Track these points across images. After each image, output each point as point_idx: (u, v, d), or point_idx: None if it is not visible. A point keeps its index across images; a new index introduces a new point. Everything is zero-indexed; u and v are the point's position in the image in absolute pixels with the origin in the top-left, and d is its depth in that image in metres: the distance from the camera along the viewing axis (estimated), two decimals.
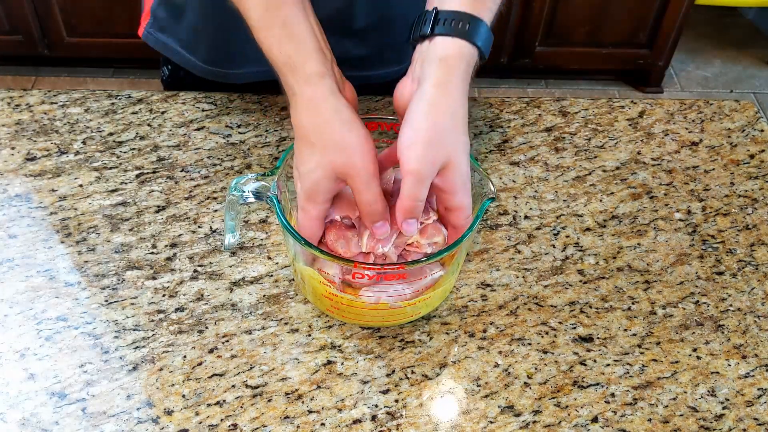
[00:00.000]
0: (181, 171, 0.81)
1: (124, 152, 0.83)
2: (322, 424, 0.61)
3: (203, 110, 0.88)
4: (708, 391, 0.64)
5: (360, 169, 0.57)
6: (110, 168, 0.81)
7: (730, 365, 0.66)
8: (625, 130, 0.89)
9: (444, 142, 0.57)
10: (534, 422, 0.61)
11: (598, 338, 0.68)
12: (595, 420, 0.62)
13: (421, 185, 0.56)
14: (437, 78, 0.58)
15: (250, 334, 0.67)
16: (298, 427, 0.60)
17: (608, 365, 0.66)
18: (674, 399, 0.64)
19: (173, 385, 0.63)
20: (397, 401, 0.62)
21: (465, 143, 0.58)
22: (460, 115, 0.58)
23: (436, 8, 0.60)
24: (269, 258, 0.73)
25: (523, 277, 0.73)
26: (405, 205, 0.57)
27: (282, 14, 0.59)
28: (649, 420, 0.62)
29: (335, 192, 0.60)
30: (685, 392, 0.64)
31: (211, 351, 0.65)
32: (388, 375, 0.64)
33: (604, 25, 2.23)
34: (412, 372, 0.65)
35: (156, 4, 0.86)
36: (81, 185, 0.79)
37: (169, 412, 0.61)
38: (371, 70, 0.91)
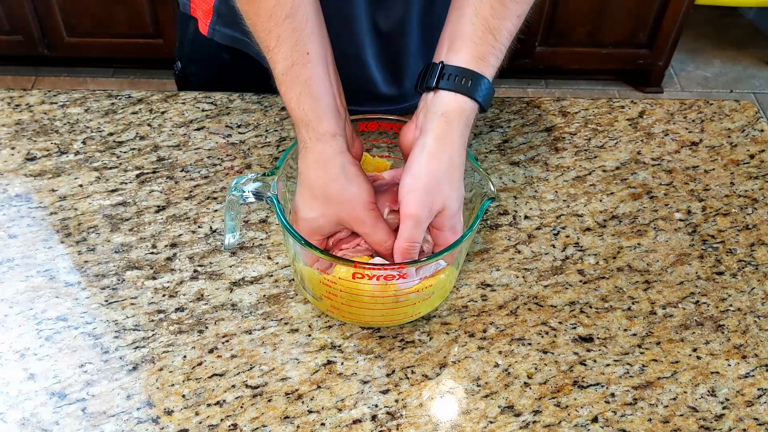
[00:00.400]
0: (181, 171, 0.81)
1: (124, 152, 0.83)
2: (322, 424, 0.61)
3: (203, 110, 0.88)
4: (708, 391, 0.64)
5: (364, 218, 0.62)
6: (110, 168, 0.81)
7: (730, 365, 0.66)
8: (625, 130, 0.89)
9: (440, 190, 0.61)
10: (534, 422, 0.61)
11: (598, 338, 0.68)
12: (595, 420, 0.62)
13: (418, 228, 0.61)
14: (437, 132, 0.62)
15: (250, 334, 0.67)
16: (298, 427, 0.60)
17: (608, 365, 0.66)
18: (674, 399, 0.64)
19: (173, 385, 0.63)
20: (397, 401, 0.62)
21: (459, 190, 0.63)
22: (457, 165, 0.63)
23: (442, 62, 0.64)
24: (269, 258, 0.73)
25: (523, 277, 0.73)
26: (403, 247, 0.62)
27: (306, 73, 0.62)
28: (649, 420, 0.62)
29: (334, 233, 0.65)
30: (685, 392, 0.64)
31: (211, 351, 0.65)
32: (388, 375, 0.64)
33: (604, 25, 2.23)
34: (412, 372, 0.65)
35: (218, 2, 0.88)
36: (81, 185, 0.79)
37: (169, 412, 0.61)
38: (398, 104, 0.93)
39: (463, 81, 0.63)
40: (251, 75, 0.90)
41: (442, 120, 0.63)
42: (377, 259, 0.64)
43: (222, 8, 0.88)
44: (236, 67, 0.92)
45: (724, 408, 0.63)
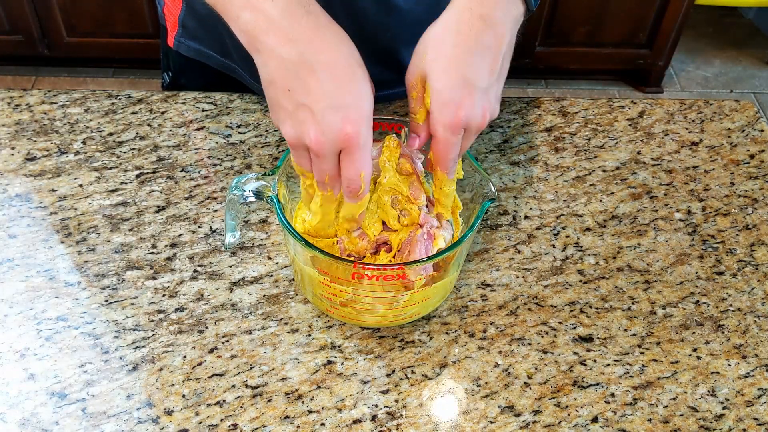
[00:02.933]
0: (181, 171, 0.81)
1: (124, 152, 0.83)
2: (322, 424, 0.61)
3: (203, 110, 0.88)
4: (708, 391, 0.64)
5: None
6: (110, 168, 0.81)
7: (730, 365, 0.66)
8: (625, 130, 0.89)
9: (424, 52, 0.55)
10: (534, 422, 0.61)
11: (598, 338, 0.68)
12: (595, 420, 0.62)
13: (408, 94, 0.56)
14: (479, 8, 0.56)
15: (250, 334, 0.67)
16: (298, 427, 0.60)
17: (608, 365, 0.66)
18: (674, 399, 0.64)
19: (173, 385, 0.63)
20: (397, 401, 0.62)
21: (451, 60, 0.55)
22: (453, 28, 0.55)
23: None
24: (269, 258, 0.73)
25: (523, 277, 0.73)
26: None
27: None
28: (649, 420, 0.62)
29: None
30: (685, 392, 0.64)
31: (211, 351, 0.65)
32: (388, 375, 0.64)
33: (604, 25, 2.23)
34: (412, 372, 0.65)
35: (183, 15, 0.87)
36: (81, 185, 0.79)
37: (169, 412, 0.61)
38: (395, 88, 0.92)
39: None
40: (241, 84, 0.90)
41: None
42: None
43: (187, 20, 0.88)
44: (226, 76, 0.91)
45: (724, 408, 0.63)
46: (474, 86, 0.54)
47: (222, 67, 0.90)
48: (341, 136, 0.52)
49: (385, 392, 0.63)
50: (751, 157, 0.87)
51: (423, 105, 0.57)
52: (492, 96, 0.57)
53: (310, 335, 0.67)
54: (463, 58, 0.54)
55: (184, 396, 0.62)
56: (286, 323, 0.68)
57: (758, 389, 0.65)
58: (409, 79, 0.56)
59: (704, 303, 0.71)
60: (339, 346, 0.66)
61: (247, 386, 0.63)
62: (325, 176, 0.56)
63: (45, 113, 0.87)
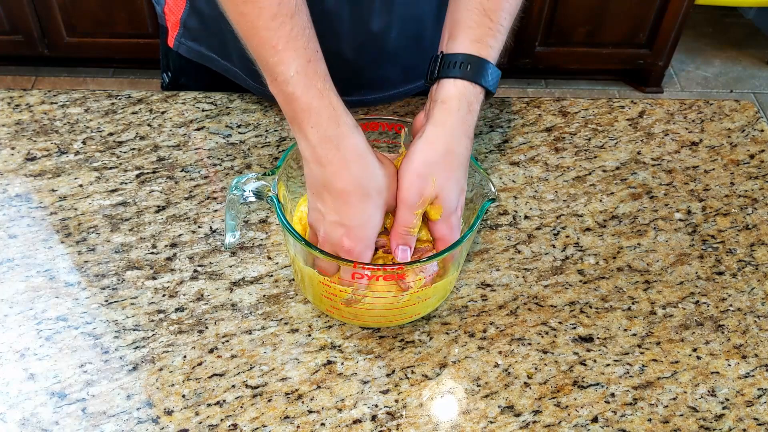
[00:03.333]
0: (181, 171, 0.81)
1: (124, 152, 0.83)
2: (322, 424, 0.61)
3: (203, 110, 0.88)
4: (708, 391, 0.64)
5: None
6: (110, 168, 0.81)
7: (730, 365, 0.66)
8: (625, 130, 0.89)
9: (432, 177, 0.61)
10: (534, 422, 0.61)
11: (598, 338, 0.68)
12: (595, 420, 0.62)
13: (410, 213, 0.61)
14: (435, 119, 0.62)
15: (250, 334, 0.67)
16: (298, 427, 0.60)
17: (608, 365, 0.66)
18: (674, 399, 0.64)
19: (173, 385, 0.63)
20: (397, 401, 0.62)
21: (457, 180, 0.62)
22: (455, 153, 0.62)
23: (442, 52, 0.64)
24: (269, 258, 0.73)
25: (523, 277, 0.73)
26: (397, 231, 0.62)
27: (322, 68, 0.61)
28: (649, 420, 0.62)
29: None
30: (685, 392, 0.64)
31: (211, 351, 0.65)
32: (388, 375, 0.64)
33: (604, 25, 2.23)
34: (412, 372, 0.65)
35: (186, 15, 0.87)
36: (81, 185, 0.79)
37: (169, 412, 0.61)
38: (397, 88, 0.92)
39: (461, 66, 0.62)
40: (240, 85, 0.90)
41: (441, 107, 0.62)
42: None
43: (189, 21, 0.87)
44: (225, 76, 0.91)
45: (724, 408, 0.63)
46: (464, 190, 0.64)
47: (222, 70, 0.90)
48: (339, 248, 0.60)
49: (385, 392, 0.63)
50: (751, 157, 0.87)
51: (420, 220, 0.63)
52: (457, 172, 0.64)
53: (310, 335, 0.67)
54: (461, 175, 0.63)
55: (184, 396, 0.62)
56: (286, 323, 0.68)
57: (758, 389, 0.65)
58: (411, 202, 0.62)
59: (704, 303, 0.71)
60: (339, 346, 0.66)
61: (247, 386, 0.63)
62: (321, 269, 0.63)
63: (45, 113, 0.87)
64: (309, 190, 0.63)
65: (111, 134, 0.85)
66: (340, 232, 0.60)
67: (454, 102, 0.62)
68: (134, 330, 0.66)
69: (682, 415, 0.62)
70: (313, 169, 0.60)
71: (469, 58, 0.63)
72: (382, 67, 0.88)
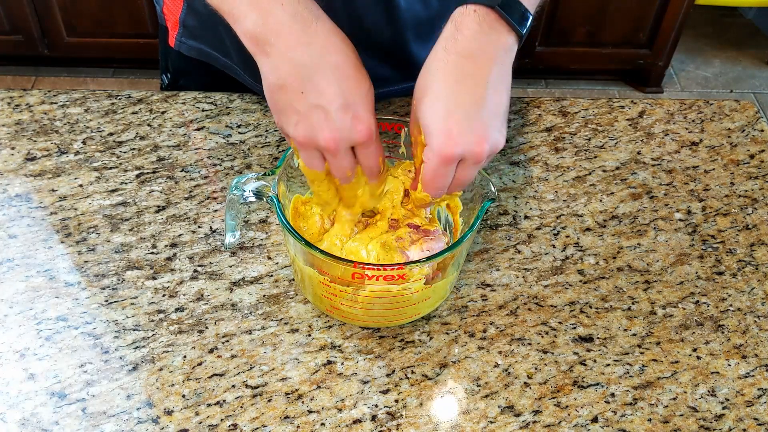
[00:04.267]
0: (181, 171, 0.81)
1: (124, 152, 0.83)
2: (322, 424, 0.61)
3: (203, 110, 0.88)
4: (708, 391, 0.64)
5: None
6: (110, 168, 0.81)
7: (730, 365, 0.66)
8: (625, 130, 0.89)
9: (422, 105, 0.56)
10: (534, 422, 0.61)
11: (598, 338, 0.68)
12: (595, 420, 0.62)
13: (412, 116, 0.57)
14: (443, 35, 0.57)
15: (250, 334, 0.67)
16: (298, 427, 0.60)
17: (608, 365, 0.66)
18: (674, 399, 0.64)
19: (173, 385, 0.63)
20: (397, 401, 0.62)
21: (433, 97, 0.56)
22: (429, 68, 0.56)
23: None
24: (269, 258, 0.73)
25: (523, 277, 0.73)
26: (427, 180, 0.58)
27: None
28: (649, 420, 0.62)
29: None
30: (685, 392, 0.64)
31: (211, 351, 0.65)
32: (388, 375, 0.64)
33: (604, 25, 2.23)
34: (412, 372, 0.65)
35: (184, 14, 0.87)
36: (81, 185, 0.79)
37: (169, 412, 0.61)
38: (398, 84, 0.92)
39: None
40: (240, 84, 0.90)
41: (449, 23, 0.56)
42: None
43: (188, 20, 0.88)
44: (225, 77, 0.91)
45: (724, 408, 0.63)
46: (461, 116, 0.55)
47: (222, 67, 0.90)
48: (354, 134, 0.55)
49: (385, 392, 0.63)
50: (751, 157, 0.87)
51: (421, 145, 0.58)
52: (489, 125, 0.56)
53: (310, 335, 0.67)
54: (444, 91, 0.55)
55: (184, 396, 0.62)
56: (286, 323, 0.68)
57: (758, 389, 0.65)
58: (410, 128, 0.59)
59: (704, 303, 0.71)
60: (339, 346, 0.66)
61: (247, 386, 0.63)
62: (345, 171, 0.58)
63: (45, 113, 0.87)
64: (293, 93, 0.54)
65: (111, 134, 0.85)
66: (350, 115, 0.54)
67: (465, 17, 0.56)
68: (134, 330, 0.66)
69: (682, 415, 0.62)
70: (295, 57, 0.53)
71: None
72: (382, 63, 0.87)
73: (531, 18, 0.58)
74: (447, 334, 0.68)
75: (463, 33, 0.56)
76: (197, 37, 0.89)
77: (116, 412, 0.61)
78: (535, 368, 0.65)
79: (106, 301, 0.68)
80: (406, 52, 0.86)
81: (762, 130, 0.90)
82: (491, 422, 0.61)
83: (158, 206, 0.77)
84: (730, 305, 0.71)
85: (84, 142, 0.83)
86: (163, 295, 0.69)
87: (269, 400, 0.62)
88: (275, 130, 0.86)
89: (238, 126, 0.86)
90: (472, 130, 0.55)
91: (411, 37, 0.85)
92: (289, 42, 0.53)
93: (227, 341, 0.66)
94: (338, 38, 0.55)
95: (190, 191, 0.79)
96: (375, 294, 0.61)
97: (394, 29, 0.83)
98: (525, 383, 0.64)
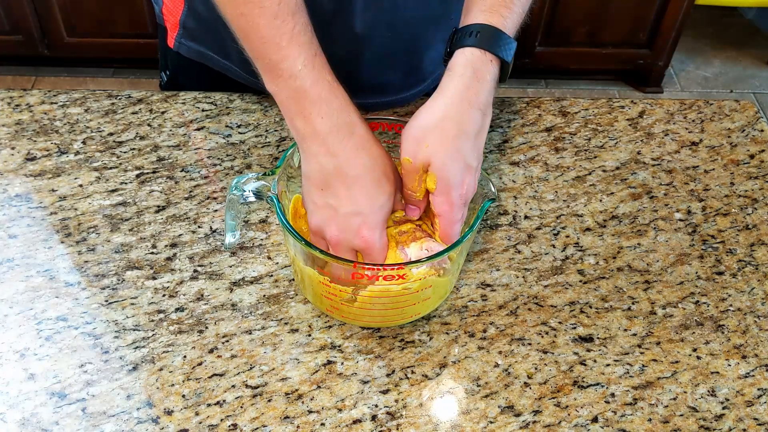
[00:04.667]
0: (181, 171, 0.81)
1: (124, 152, 0.83)
2: (322, 424, 0.61)
3: (203, 110, 0.88)
4: (708, 391, 0.64)
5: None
6: (110, 168, 0.81)
7: (730, 365, 0.66)
8: (625, 130, 0.89)
9: (424, 141, 0.59)
10: (534, 422, 0.61)
11: (598, 338, 0.68)
12: (595, 420, 0.62)
13: (407, 177, 0.61)
14: (440, 86, 0.61)
15: (250, 334, 0.67)
16: (298, 427, 0.60)
17: (608, 365, 0.66)
18: (674, 399, 0.64)
19: (173, 385, 0.63)
20: (397, 401, 0.62)
21: (456, 149, 0.60)
22: (453, 119, 0.60)
23: (455, 28, 0.64)
24: (269, 258, 0.73)
25: (523, 277, 0.73)
26: (405, 193, 0.63)
27: (326, 63, 0.61)
28: (649, 420, 0.62)
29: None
30: (685, 392, 0.64)
31: (211, 351, 0.65)
32: (388, 375, 0.64)
33: (604, 25, 2.23)
34: (412, 372, 0.65)
35: (185, 16, 0.87)
36: (81, 185, 0.79)
37: (169, 412, 0.61)
38: (397, 94, 0.92)
39: (471, 35, 0.61)
40: (240, 84, 0.90)
41: (446, 75, 0.61)
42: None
43: (188, 22, 0.88)
44: (224, 76, 0.91)
45: (724, 408, 0.63)
46: (472, 168, 0.61)
47: (222, 69, 0.90)
48: (357, 239, 0.60)
49: (385, 392, 0.63)
50: (751, 157, 0.87)
51: (422, 185, 0.62)
52: (475, 170, 0.62)
53: (310, 335, 0.67)
54: (464, 147, 0.60)
55: (184, 396, 0.62)
56: (286, 323, 0.68)
57: (758, 389, 0.65)
58: (408, 165, 0.61)
59: (704, 303, 0.71)
60: (339, 346, 0.66)
61: (247, 386, 0.63)
62: (340, 269, 0.62)
63: (45, 113, 0.87)
64: (313, 187, 0.61)
65: (111, 134, 0.85)
66: (357, 222, 0.59)
67: (459, 68, 0.61)
68: (134, 330, 0.66)
69: (682, 415, 0.62)
70: (322, 162, 0.59)
71: (481, 27, 0.61)
72: (381, 71, 0.88)
73: (508, 38, 0.63)
74: (447, 334, 0.68)
75: (483, 86, 0.61)
76: (197, 39, 0.89)
77: (116, 412, 0.61)
78: (535, 368, 0.65)
79: (106, 301, 0.68)
80: (410, 61, 0.87)
81: (762, 130, 0.90)
82: (491, 422, 0.61)
83: (158, 206, 0.77)
84: (730, 305, 0.71)
85: (84, 142, 0.83)
86: (163, 295, 0.69)
87: (269, 400, 0.62)
88: (275, 130, 0.86)
89: (238, 126, 0.86)
90: (474, 179, 0.62)
91: (416, 43, 0.85)
92: (320, 149, 0.59)
93: (227, 341, 0.66)
94: (368, 155, 0.60)
95: (190, 191, 0.79)
96: (375, 294, 0.61)
97: (398, 36, 0.83)
98: (525, 383, 0.64)
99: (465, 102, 0.60)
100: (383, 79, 0.89)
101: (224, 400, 0.62)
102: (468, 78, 0.60)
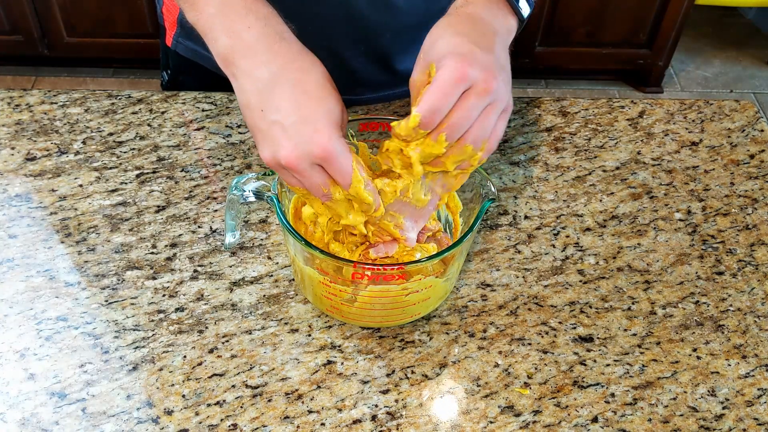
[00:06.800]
0: (181, 171, 0.81)
1: (124, 152, 0.83)
2: (322, 424, 0.61)
3: (203, 110, 0.88)
4: (708, 391, 0.64)
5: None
6: (110, 168, 0.81)
7: (730, 365, 0.66)
8: (625, 130, 0.89)
9: (433, 48, 0.54)
10: (534, 422, 0.61)
11: (598, 338, 0.68)
12: (595, 420, 0.62)
13: (417, 66, 0.55)
14: (453, 5, 0.58)
15: (250, 334, 0.67)
16: (298, 427, 0.60)
17: (608, 365, 0.66)
18: (674, 399, 0.64)
19: (173, 385, 0.63)
20: (397, 401, 0.62)
21: (462, 41, 0.53)
22: (476, 26, 0.55)
23: None
24: (269, 258, 0.73)
25: (523, 277, 0.73)
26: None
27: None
28: (649, 420, 0.62)
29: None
30: (685, 392, 0.64)
31: (211, 351, 0.65)
32: (388, 375, 0.64)
33: (604, 25, 2.23)
34: (412, 372, 0.65)
35: (182, 15, 0.87)
36: (81, 185, 0.79)
37: (169, 412, 0.61)
38: (392, 89, 0.92)
39: None
40: None
41: (467, 7, 0.57)
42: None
43: (185, 21, 0.88)
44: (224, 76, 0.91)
45: (724, 408, 0.63)
46: (476, 49, 0.53)
47: (217, 69, 0.90)
48: (314, 147, 0.53)
49: (385, 392, 0.63)
50: (751, 157, 0.87)
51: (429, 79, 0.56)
52: (501, 71, 0.54)
53: (310, 335, 0.67)
54: (462, 40, 0.54)
55: (184, 396, 0.62)
56: (286, 323, 0.68)
57: (758, 389, 0.65)
58: (414, 77, 0.56)
59: (704, 303, 0.71)
60: (339, 346, 0.66)
61: (247, 386, 0.63)
62: (318, 189, 0.56)
63: (45, 113, 0.87)
64: (255, 112, 0.55)
65: (111, 134, 0.85)
66: (309, 130, 0.53)
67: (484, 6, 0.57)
68: (134, 330, 0.66)
69: (682, 415, 0.62)
70: (256, 75, 0.54)
71: None
72: (377, 68, 0.88)
73: (533, 3, 0.58)
74: (447, 334, 0.68)
75: (474, 3, 0.57)
76: (193, 38, 0.89)
77: (116, 412, 0.61)
78: (535, 368, 0.65)
79: (106, 301, 0.68)
80: (405, 58, 0.86)
81: (762, 130, 0.90)
82: (491, 422, 0.61)
83: (158, 206, 0.77)
84: (730, 305, 0.71)
85: (84, 142, 0.83)
86: (163, 295, 0.69)
87: (269, 400, 0.62)
88: None
89: (238, 126, 0.86)
90: (484, 64, 0.52)
91: (410, 40, 0.85)
92: (252, 62, 0.54)
93: (227, 341, 0.66)
94: (303, 57, 0.55)
95: (190, 191, 0.79)
96: (375, 294, 0.61)
97: (393, 34, 0.83)
98: (525, 383, 0.64)
99: (455, 14, 0.56)
100: (378, 76, 0.89)
101: (224, 400, 0.62)
102: (457, 2, 0.57)
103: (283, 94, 0.53)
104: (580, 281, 0.72)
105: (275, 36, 0.55)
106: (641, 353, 0.67)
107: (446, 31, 0.55)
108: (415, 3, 0.81)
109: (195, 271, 0.71)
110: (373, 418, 0.61)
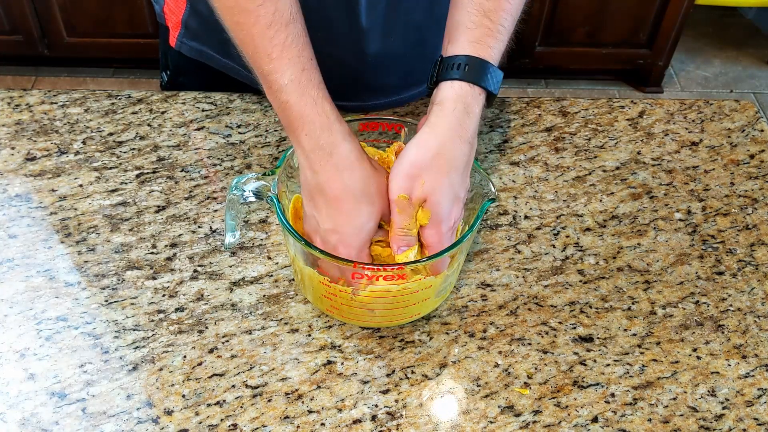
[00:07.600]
0: (181, 171, 0.81)
1: (124, 152, 0.83)
2: (322, 424, 0.61)
3: (203, 110, 0.88)
4: (708, 391, 0.64)
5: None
6: (110, 168, 0.81)
7: (730, 365, 0.66)
8: (625, 130, 0.89)
9: (421, 179, 0.60)
10: (534, 422, 0.61)
11: (598, 338, 0.68)
12: (595, 420, 0.62)
13: (402, 215, 0.61)
14: (430, 121, 0.62)
15: (250, 334, 0.67)
16: (298, 427, 0.60)
17: (608, 365, 0.66)
18: (674, 399, 0.64)
19: (173, 385, 0.63)
20: (397, 401, 0.62)
21: (450, 185, 0.60)
22: (446, 156, 0.60)
23: (441, 56, 0.64)
24: (269, 258, 0.73)
25: (523, 277, 0.73)
26: (395, 234, 0.62)
27: (316, 77, 0.62)
28: (649, 420, 0.62)
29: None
30: (685, 392, 0.64)
31: (211, 351, 0.65)
32: (388, 375, 0.64)
33: (604, 25, 2.23)
34: (412, 372, 0.65)
35: (187, 15, 0.87)
36: (81, 185, 0.79)
37: (169, 412, 0.61)
38: (399, 94, 0.92)
39: (459, 67, 0.62)
40: (239, 84, 0.90)
41: (436, 109, 0.62)
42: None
43: (190, 21, 0.88)
44: (224, 75, 0.91)
45: (724, 408, 0.63)
46: (460, 199, 0.63)
47: (223, 68, 0.90)
48: (336, 254, 0.60)
49: (385, 392, 0.63)
50: (751, 157, 0.87)
51: (417, 222, 0.62)
52: (461, 202, 0.64)
53: (310, 335, 0.67)
54: (455, 181, 0.61)
55: (184, 396, 0.62)
56: (286, 323, 0.68)
57: (758, 389, 0.65)
58: (404, 203, 0.61)
59: (704, 303, 0.71)
60: (339, 346, 0.66)
61: (247, 386, 0.63)
62: (333, 275, 0.62)
63: (45, 113, 0.87)
64: (304, 197, 0.63)
65: (111, 134, 0.85)
66: (335, 239, 0.61)
67: (450, 103, 0.61)
68: (134, 330, 0.66)
69: (682, 415, 0.62)
70: (307, 175, 0.61)
71: (468, 59, 0.62)
72: (383, 73, 0.88)
73: (496, 70, 0.64)
74: (447, 334, 0.68)
75: (472, 120, 0.62)
76: (199, 39, 0.89)
77: (116, 412, 0.61)
78: (535, 368, 0.65)
79: (106, 301, 0.68)
80: (407, 62, 0.87)
81: (762, 130, 0.90)
82: (491, 422, 0.61)
83: (158, 206, 0.77)
84: (730, 305, 0.71)
85: (84, 142, 0.83)
86: (163, 295, 0.69)
87: (269, 400, 0.62)
88: (275, 130, 0.86)
89: (238, 126, 0.86)
90: (455, 214, 0.63)
91: (419, 44, 0.85)
92: (305, 164, 0.62)
93: (227, 341, 0.66)
94: (347, 173, 0.60)
95: (190, 191, 0.79)
96: (375, 294, 0.61)
97: (397, 39, 0.83)
98: (525, 383, 0.64)
99: (456, 138, 0.61)
100: (385, 80, 0.89)
101: (224, 400, 0.62)
102: (459, 113, 0.61)
103: (322, 202, 0.61)
104: (580, 281, 0.72)
105: (326, 149, 0.60)
106: (641, 353, 0.67)
107: (448, 180, 0.61)
108: (411, 12, 0.81)
109: (195, 271, 0.71)
110: (373, 418, 0.61)
